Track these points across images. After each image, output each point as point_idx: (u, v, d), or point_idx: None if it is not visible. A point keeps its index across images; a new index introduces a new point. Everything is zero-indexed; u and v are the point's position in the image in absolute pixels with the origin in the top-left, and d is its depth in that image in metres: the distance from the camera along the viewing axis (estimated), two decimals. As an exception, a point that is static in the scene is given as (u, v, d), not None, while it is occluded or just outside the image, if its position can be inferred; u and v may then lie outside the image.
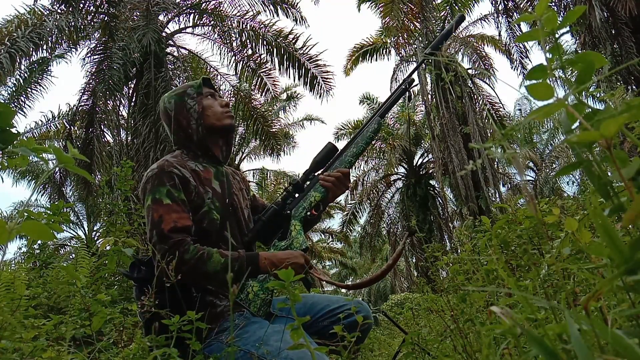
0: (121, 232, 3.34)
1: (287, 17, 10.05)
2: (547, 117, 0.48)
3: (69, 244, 13.94)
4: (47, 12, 8.82)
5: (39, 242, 3.64)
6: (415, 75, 1.61)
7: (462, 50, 14.48)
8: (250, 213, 1.61)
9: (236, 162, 14.89)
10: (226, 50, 10.20)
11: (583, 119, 0.45)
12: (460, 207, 12.64)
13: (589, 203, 0.93)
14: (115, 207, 3.80)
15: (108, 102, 9.13)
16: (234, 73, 10.41)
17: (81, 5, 9.03)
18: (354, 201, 18.50)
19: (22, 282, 2.03)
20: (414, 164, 16.65)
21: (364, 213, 18.56)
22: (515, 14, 10.87)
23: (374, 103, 17.35)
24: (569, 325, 0.38)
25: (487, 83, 14.44)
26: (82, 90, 9.33)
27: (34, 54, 8.72)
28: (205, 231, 1.40)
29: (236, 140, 14.46)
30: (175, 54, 10.11)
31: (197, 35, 10.51)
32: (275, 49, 9.77)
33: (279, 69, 9.97)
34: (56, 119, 11.58)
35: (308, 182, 1.55)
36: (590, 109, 0.47)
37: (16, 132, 0.70)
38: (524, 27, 10.33)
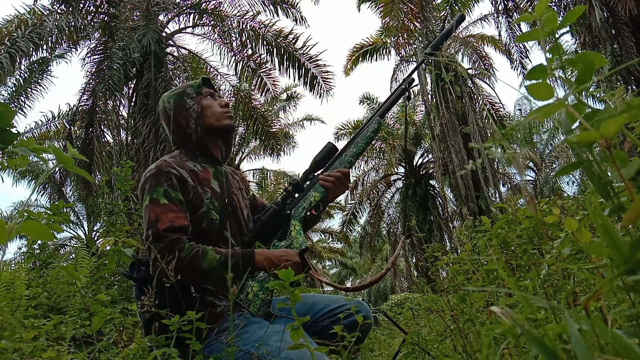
0: (121, 232, 3.33)
1: (287, 17, 10.06)
2: (547, 117, 0.48)
3: (69, 244, 13.94)
4: (47, 12, 8.82)
5: (39, 242, 3.64)
6: (415, 75, 1.61)
7: (462, 50, 14.49)
8: (249, 213, 1.61)
9: (236, 162, 14.89)
10: (226, 50, 10.20)
11: (583, 119, 0.45)
12: (460, 207, 12.65)
13: (589, 203, 0.93)
14: (115, 207, 3.80)
15: (108, 102, 9.13)
16: (234, 73, 10.43)
17: (81, 5, 9.03)
18: (354, 201, 18.51)
19: (22, 282, 2.03)
20: (414, 164, 16.65)
21: (364, 213, 18.58)
22: (515, 14, 10.87)
23: (374, 103, 17.35)
24: (569, 325, 0.38)
25: (487, 83, 14.45)
26: (82, 90, 9.34)
27: (34, 54, 8.72)
28: (204, 231, 1.40)
29: (236, 140, 14.46)
30: (175, 54, 10.11)
31: (197, 35, 10.52)
32: (275, 49, 9.77)
33: (279, 69, 9.97)
34: (56, 119, 11.59)
35: (308, 182, 1.54)
36: (590, 109, 0.47)
37: (16, 132, 0.70)
38: (524, 27, 10.33)
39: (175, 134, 1.56)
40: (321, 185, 1.50)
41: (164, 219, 1.32)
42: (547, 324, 0.69)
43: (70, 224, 14.09)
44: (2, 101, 7.83)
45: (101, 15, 9.38)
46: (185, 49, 10.53)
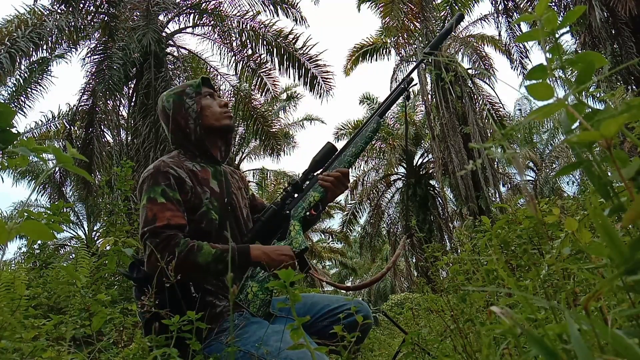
0: (121, 232, 3.33)
1: (287, 17, 10.06)
2: (547, 117, 0.48)
3: (69, 244, 13.94)
4: (47, 12, 8.82)
5: (39, 242, 3.64)
6: (415, 75, 1.61)
7: (462, 50, 14.48)
8: (249, 212, 1.61)
9: (236, 162, 14.90)
10: (226, 50, 10.20)
11: (583, 119, 0.45)
12: (460, 207, 12.65)
13: (589, 203, 0.93)
14: (115, 207, 3.80)
15: (108, 102, 9.13)
16: (234, 73, 10.43)
17: (81, 5, 9.03)
18: (354, 201, 18.51)
19: (22, 282, 2.03)
20: (414, 164, 16.65)
21: (364, 213, 18.58)
22: (515, 14, 10.87)
23: (374, 103, 17.35)
24: (569, 325, 0.38)
25: (487, 83, 14.45)
26: (82, 90, 9.34)
27: (34, 54, 8.72)
28: (204, 231, 1.40)
29: (236, 140, 14.47)
30: (175, 54, 10.10)
31: (197, 35, 10.52)
32: (275, 49, 9.77)
33: (279, 69, 9.98)
34: (56, 119, 11.58)
35: (307, 182, 1.54)
36: (590, 109, 0.47)
37: (16, 132, 0.70)
38: (524, 27, 10.33)
39: (174, 133, 1.55)
40: (320, 185, 1.50)
41: (161, 217, 1.32)
42: (547, 324, 0.69)
43: (70, 224, 14.09)
44: (2, 101, 7.83)
45: (101, 15, 9.38)
46: (185, 49, 10.54)
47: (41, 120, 11.57)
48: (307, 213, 1.49)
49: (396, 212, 18.08)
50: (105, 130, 9.41)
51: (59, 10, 8.89)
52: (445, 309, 1.58)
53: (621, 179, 0.43)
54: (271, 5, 9.85)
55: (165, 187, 1.37)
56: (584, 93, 0.49)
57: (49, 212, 2.44)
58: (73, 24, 8.79)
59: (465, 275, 1.61)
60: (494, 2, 11.21)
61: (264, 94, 10.54)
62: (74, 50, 9.55)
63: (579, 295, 0.84)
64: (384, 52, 14.93)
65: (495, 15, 11.89)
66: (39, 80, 9.47)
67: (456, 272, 1.62)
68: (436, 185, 16.06)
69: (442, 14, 13.00)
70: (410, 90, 1.56)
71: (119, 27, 9.04)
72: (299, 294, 0.76)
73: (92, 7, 9.23)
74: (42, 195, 12.87)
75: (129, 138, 9.37)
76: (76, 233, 14.54)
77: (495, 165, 12.71)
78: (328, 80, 10.01)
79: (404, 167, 16.92)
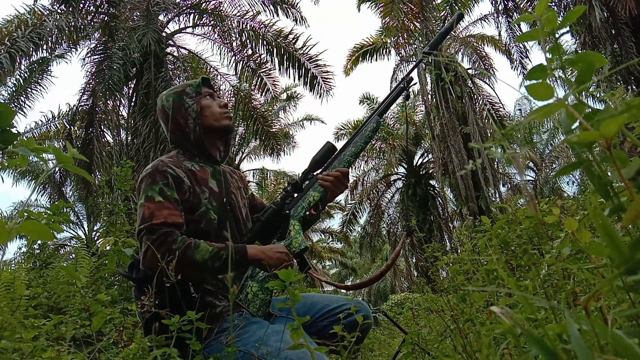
0: (121, 232, 3.33)
1: (287, 17, 10.06)
2: (547, 117, 0.48)
3: (69, 244, 13.93)
4: (47, 12, 8.82)
5: (39, 242, 3.64)
6: (414, 75, 1.61)
7: (462, 50, 14.48)
8: (248, 212, 1.61)
9: (236, 162, 14.89)
10: (226, 50, 10.20)
11: (583, 119, 0.45)
12: (460, 207, 12.65)
13: (589, 203, 0.93)
14: (115, 207, 3.80)
15: (108, 102, 9.13)
16: (234, 73, 10.42)
17: (81, 5, 9.03)
18: (354, 201, 18.51)
19: (22, 282, 2.03)
20: (414, 164, 16.65)
21: (364, 213, 18.57)
22: (515, 14, 10.87)
23: (374, 103, 17.34)
24: (569, 325, 0.38)
25: (487, 83, 14.45)
26: (82, 90, 9.34)
27: (34, 54, 8.72)
28: (203, 231, 1.40)
29: (236, 140, 14.47)
30: (175, 54, 10.10)
31: (197, 35, 10.52)
32: (275, 49, 9.77)
33: (279, 69, 9.97)
34: (56, 119, 11.58)
35: (307, 182, 1.54)
36: (590, 109, 0.47)
37: (16, 132, 0.70)
38: (524, 27, 10.33)
39: (173, 132, 1.55)
40: (320, 185, 1.49)
41: (158, 215, 1.32)
42: (547, 324, 0.69)
43: (70, 224, 14.09)
44: (2, 101, 7.83)
45: (101, 15, 9.38)
46: (185, 49, 10.54)
47: (41, 120, 11.58)
48: (307, 213, 1.49)
49: (396, 212, 18.07)
50: (105, 130, 9.41)
51: (59, 10, 8.89)
52: (445, 309, 1.58)
53: (621, 179, 0.43)
54: (271, 5, 9.85)
55: (163, 186, 1.37)
56: (584, 93, 0.49)
57: (49, 212, 2.44)
58: (73, 24, 8.79)
59: (465, 275, 1.61)
60: (494, 2, 11.22)
61: (264, 94, 10.54)
62: (74, 50, 9.56)
63: (579, 295, 0.84)
64: (384, 52, 14.93)
65: (495, 15, 11.89)
66: (39, 80, 9.47)
67: (456, 272, 1.62)
68: (436, 185, 16.07)
69: (442, 14, 13.00)
70: (410, 90, 1.56)
71: (119, 27, 9.04)
72: (298, 294, 0.76)
73: (92, 7, 9.23)
74: (42, 195, 12.88)
75: (129, 138, 9.37)
76: (76, 233, 14.55)
77: (495, 165, 12.71)
78: (328, 80, 10.01)
79: (404, 167, 16.92)
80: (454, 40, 14.03)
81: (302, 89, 11.51)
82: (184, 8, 10.10)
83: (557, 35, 0.51)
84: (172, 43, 10.14)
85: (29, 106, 9.49)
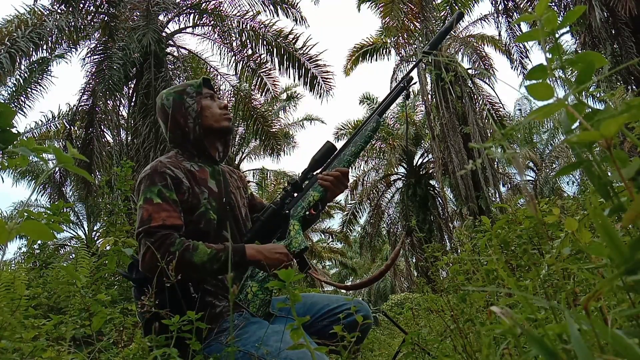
0: (121, 232, 3.33)
1: (287, 17, 10.06)
2: (547, 117, 0.48)
3: (69, 244, 13.93)
4: (47, 12, 8.82)
5: (39, 242, 3.64)
6: (414, 74, 1.61)
7: (462, 50, 14.48)
8: (247, 211, 1.61)
9: (236, 162, 14.89)
10: (226, 50, 10.20)
11: (583, 119, 0.45)
12: (460, 207, 12.64)
13: (589, 203, 0.93)
14: (115, 207, 3.80)
15: (108, 102, 9.14)
16: (234, 73, 10.43)
17: (81, 5, 9.03)
18: (354, 201, 18.51)
19: (22, 282, 2.03)
20: (414, 164, 16.65)
21: (364, 213, 18.57)
22: (515, 14, 10.87)
23: (374, 103, 17.34)
24: (569, 325, 0.38)
25: (487, 83, 14.45)
26: (82, 90, 9.34)
27: (34, 54, 8.72)
28: (203, 232, 1.40)
29: (236, 140, 14.47)
30: (175, 54, 10.11)
31: (197, 35, 10.52)
32: (275, 49, 9.77)
33: (279, 69, 9.98)
34: (56, 119, 11.58)
35: (307, 182, 1.54)
36: (590, 109, 0.47)
37: (16, 132, 0.70)
38: (524, 27, 10.33)
39: (172, 132, 1.55)
40: (320, 185, 1.49)
41: (157, 217, 1.32)
42: (547, 324, 0.69)
43: (70, 224, 14.09)
44: (2, 101, 7.83)
45: (101, 15, 9.38)
46: (185, 49, 10.54)
47: (41, 120, 11.58)
48: (307, 212, 1.49)
49: (396, 212, 18.07)
50: (105, 130, 9.41)
51: (59, 10, 8.89)
52: (445, 309, 1.58)
53: (621, 179, 0.43)
54: (271, 5, 9.85)
55: (161, 188, 1.37)
56: (584, 93, 0.49)
57: (49, 212, 2.44)
58: (73, 24, 8.79)
59: (465, 275, 1.61)
60: (494, 2, 11.22)
61: (264, 94, 10.54)
62: (74, 50, 9.56)
63: (579, 295, 0.84)
64: (384, 52, 14.93)
65: (495, 15, 11.89)
66: (39, 80, 9.47)
67: (456, 272, 1.62)
68: (436, 185, 16.06)
69: (442, 14, 12.99)
70: (410, 89, 1.56)
71: (119, 27, 9.04)
72: (298, 294, 0.76)
73: (92, 7, 9.23)
74: (42, 195, 12.88)
75: (129, 138, 9.37)
76: (76, 233, 14.55)
77: (495, 165, 12.71)
78: (328, 80, 10.01)
79: (404, 167, 16.93)
80: (454, 40, 14.03)
81: (302, 89, 11.53)
82: (184, 8, 10.10)
83: (557, 35, 0.51)
84: (172, 43, 10.14)
85: (29, 106, 9.50)
